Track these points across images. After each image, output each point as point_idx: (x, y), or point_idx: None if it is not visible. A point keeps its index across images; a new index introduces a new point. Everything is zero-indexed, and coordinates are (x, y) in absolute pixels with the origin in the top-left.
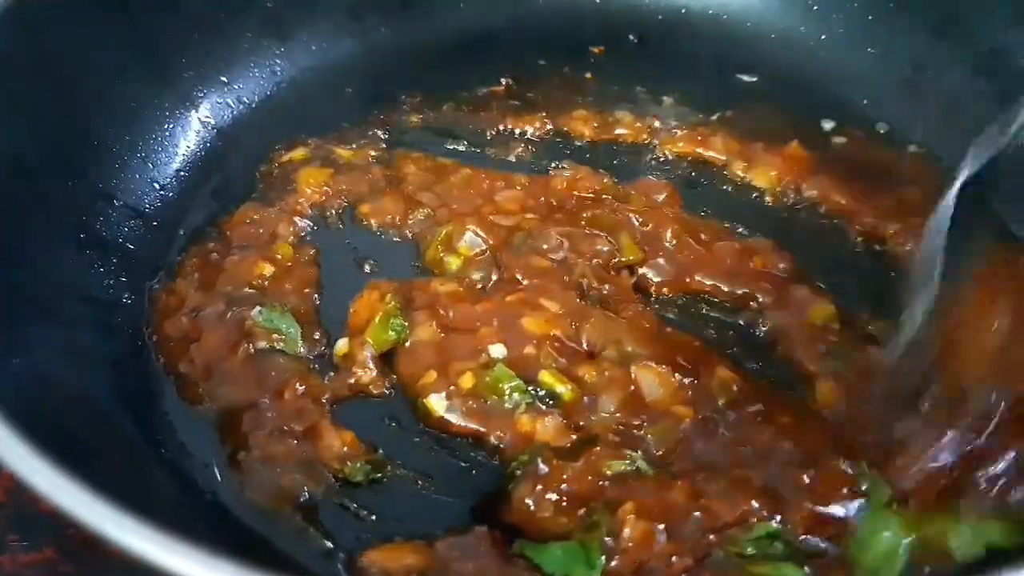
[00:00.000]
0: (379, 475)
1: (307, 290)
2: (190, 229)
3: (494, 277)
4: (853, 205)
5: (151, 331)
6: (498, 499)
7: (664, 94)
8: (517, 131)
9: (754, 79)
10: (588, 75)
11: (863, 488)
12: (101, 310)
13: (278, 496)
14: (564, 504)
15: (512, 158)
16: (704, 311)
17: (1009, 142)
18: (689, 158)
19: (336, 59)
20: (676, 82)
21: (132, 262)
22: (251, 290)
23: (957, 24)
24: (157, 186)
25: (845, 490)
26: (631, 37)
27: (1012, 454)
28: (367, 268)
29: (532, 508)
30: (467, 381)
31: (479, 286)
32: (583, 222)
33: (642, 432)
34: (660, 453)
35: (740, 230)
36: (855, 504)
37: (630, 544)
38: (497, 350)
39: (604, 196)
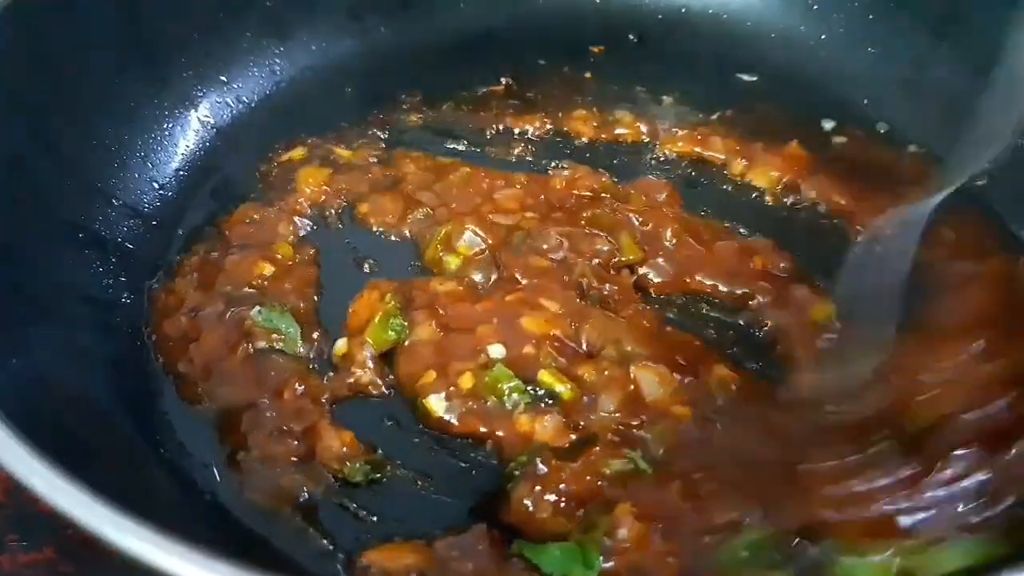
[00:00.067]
0: (378, 475)
1: (307, 290)
2: (189, 229)
3: (493, 277)
4: (853, 205)
5: (150, 331)
6: (497, 499)
7: (664, 94)
8: (517, 131)
9: (754, 79)
10: (588, 75)
11: None
12: (100, 310)
13: (277, 496)
14: (562, 505)
15: (512, 158)
16: (704, 311)
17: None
18: (689, 158)
19: (336, 59)
20: (676, 82)
21: (131, 262)
22: (250, 290)
23: (957, 24)
24: (156, 185)
25: None
26: (631, 37)
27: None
28: (367, 268)
29: (531, 509)
30: (466, 381)
31: (479, 286)
32: (583, 222)
33: (642, 432)
34: (660, 453)
35: (740, 230)
36: None
37: (627, 544)
38: (496, 350)
39: (604, 196)
